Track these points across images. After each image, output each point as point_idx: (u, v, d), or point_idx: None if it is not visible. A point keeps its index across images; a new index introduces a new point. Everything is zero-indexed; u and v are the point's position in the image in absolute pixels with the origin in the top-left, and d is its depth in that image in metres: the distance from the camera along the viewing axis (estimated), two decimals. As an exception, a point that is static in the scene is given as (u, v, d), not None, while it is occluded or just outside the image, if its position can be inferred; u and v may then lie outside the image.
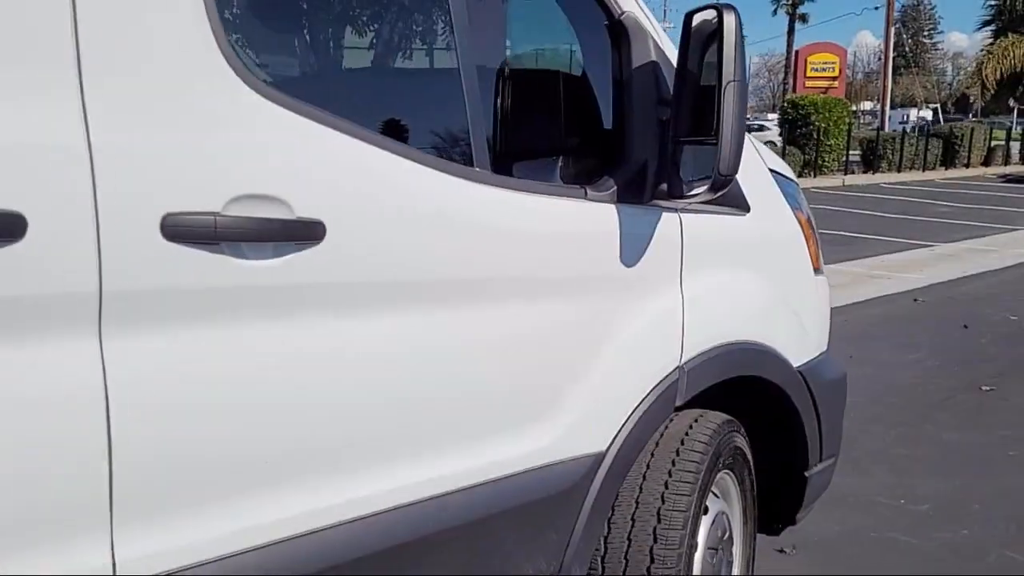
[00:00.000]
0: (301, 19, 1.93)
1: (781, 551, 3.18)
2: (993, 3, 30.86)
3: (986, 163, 28.08)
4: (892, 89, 33.54)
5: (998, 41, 29.32)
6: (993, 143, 29.94)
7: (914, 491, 3.78)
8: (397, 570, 1.59)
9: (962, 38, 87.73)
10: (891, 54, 32.33)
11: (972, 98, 39.47)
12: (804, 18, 60.92)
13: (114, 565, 1.24)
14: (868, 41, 67.37)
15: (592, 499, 1.91)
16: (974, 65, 37.88)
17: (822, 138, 21.03)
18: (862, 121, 47.57)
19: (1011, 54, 27.42)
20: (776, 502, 2.65)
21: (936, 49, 78.48)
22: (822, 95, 23.36)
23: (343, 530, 1.48)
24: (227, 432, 1.35)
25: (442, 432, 1.64)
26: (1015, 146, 31.30)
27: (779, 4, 63.07)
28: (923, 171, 24.59)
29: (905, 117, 44.14)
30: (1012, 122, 39.28)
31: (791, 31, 60.80)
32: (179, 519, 1.30)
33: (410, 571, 1.62)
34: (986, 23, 32.11)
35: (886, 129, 28.64)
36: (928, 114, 49.63)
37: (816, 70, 28.78)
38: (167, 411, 1.28)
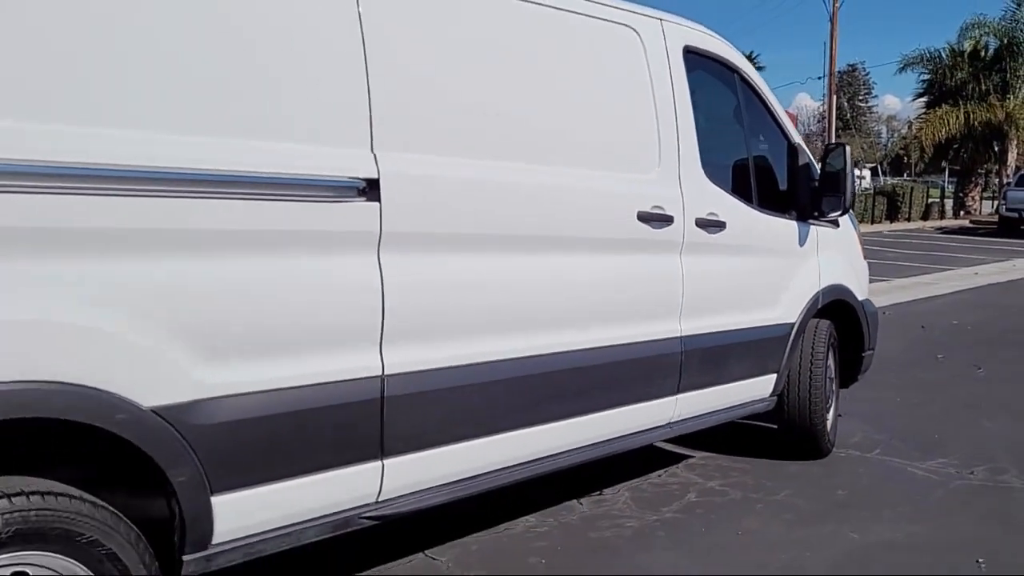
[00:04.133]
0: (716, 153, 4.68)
1: (840, 415, 5.87)
2: (925, 78, 34.39)
3: (925, 217, 31.49)
4: (836, 151, 36.87)
5: (931, 111, 32.77)
6: (930, 200, 33.56)
7: (906, 397, 6.57)
8: (741, 354, 4.28)
9: (895, 101, 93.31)
10: (834, 119, 35.96)
11: (906, 159, 43.29)
12: (753, 86, 65.24)
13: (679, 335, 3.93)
14: (807, 103, 70.89)
15: (791, 342, 4.61)
16: (908, 128, 41.67)
17: (786, 196, 24.12)
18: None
19: (943, 123, 30.96)
20: (847, 372, 5.37)
21: (872, 112, 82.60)
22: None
23: (732, 333, 4.18)
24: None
25: (750, 303, 4.35)
26: (949, 203, 35.05)
27: (731, 73, 66.82)
28: (871, 223, 27.89)
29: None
30: (944, 181, 43.34)
31: (741, 98, 64.58)
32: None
33: (741, 356, 4.30)
34: (920, 95, 35.59)
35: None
36: (867, 174, 53.43)
37: (771, 134, 32.03)
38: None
